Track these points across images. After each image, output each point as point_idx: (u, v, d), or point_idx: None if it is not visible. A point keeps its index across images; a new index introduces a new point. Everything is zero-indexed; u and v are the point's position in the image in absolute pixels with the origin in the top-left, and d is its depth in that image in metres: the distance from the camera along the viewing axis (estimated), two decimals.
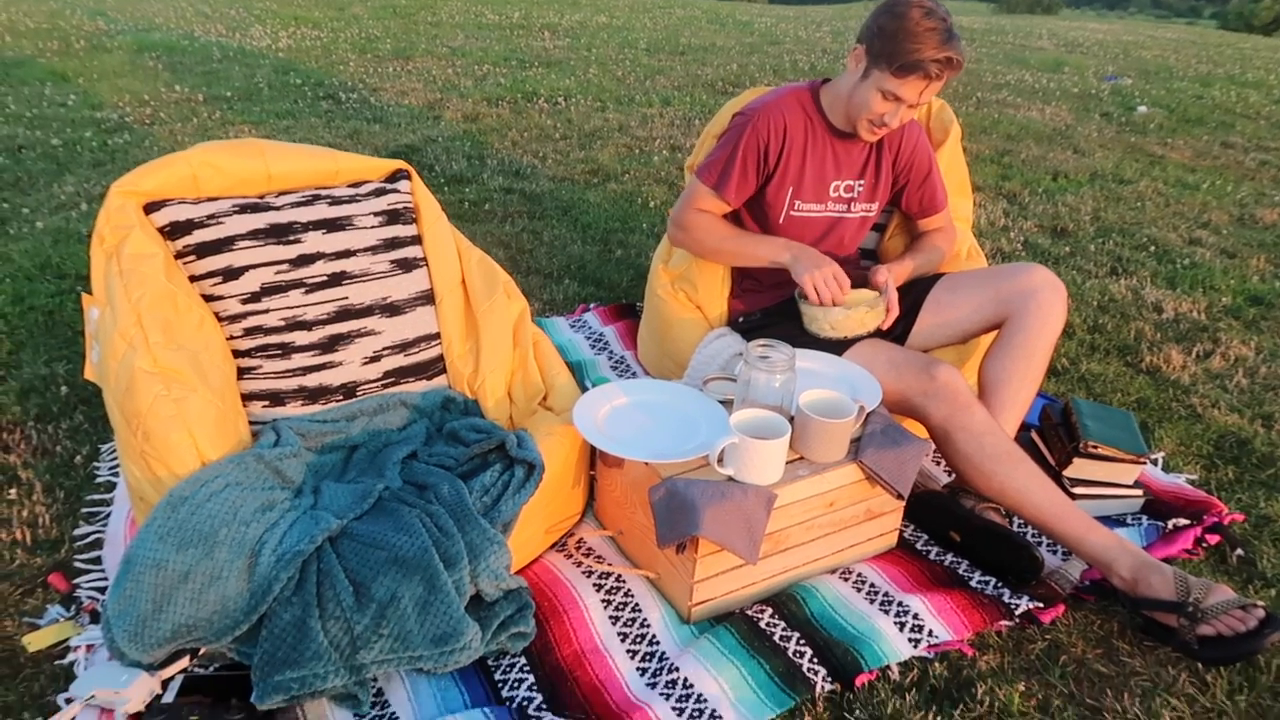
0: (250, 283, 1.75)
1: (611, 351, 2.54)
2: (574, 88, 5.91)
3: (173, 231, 1.73)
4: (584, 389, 2.31)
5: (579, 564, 1.77)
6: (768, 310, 2.18)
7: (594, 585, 1.71)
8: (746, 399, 1.72)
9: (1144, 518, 2.00)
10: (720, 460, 1.62)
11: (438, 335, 1.94)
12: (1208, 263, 3.48)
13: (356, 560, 1.46)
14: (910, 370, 1.90)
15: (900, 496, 1.76)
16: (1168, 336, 2.86)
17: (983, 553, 1.84)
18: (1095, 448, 1.99)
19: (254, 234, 1.77)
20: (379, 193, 1.94)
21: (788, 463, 1.69)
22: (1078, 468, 2.01)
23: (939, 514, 1.92)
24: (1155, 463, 2.20)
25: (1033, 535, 1.94)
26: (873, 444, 1.75)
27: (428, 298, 1.94)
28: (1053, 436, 2.11)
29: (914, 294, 2.14)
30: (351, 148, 4.38)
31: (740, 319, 2.21)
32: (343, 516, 1.53)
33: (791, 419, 1.72)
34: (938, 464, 2.18)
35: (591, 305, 2.79)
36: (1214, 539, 1.92)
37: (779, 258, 2.02)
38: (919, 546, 1.90)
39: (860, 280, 2.09)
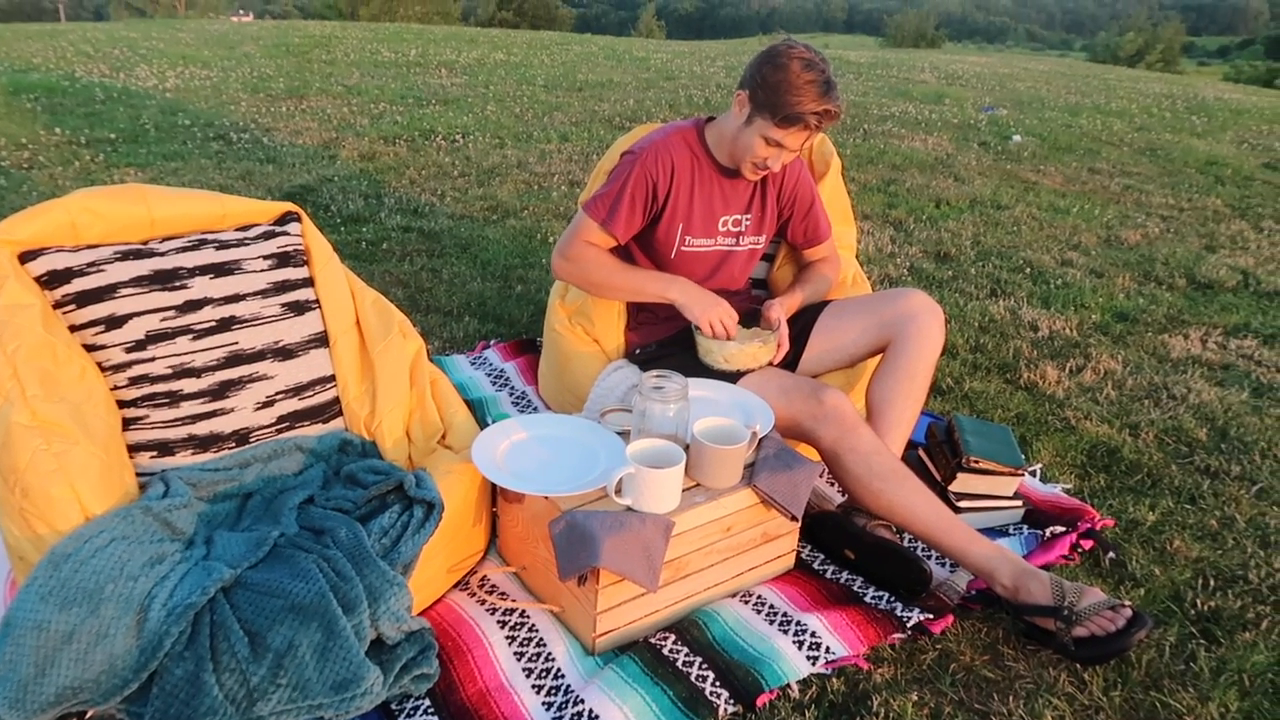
0: (134, 331, 1.72)
1: (513, 387, 2.55)
2: (472, 125, 5.93)
3: (50, 280, 1.69)
4: (485, 426, 2.32)
5: (482, 602, 1.77)
6: (663, 342, 2.23)
7: (498, 622, 1.72)
8: (642, 429, 1.76)
9: (1024, 527, 2.11)
10: (618, 491, 1.65)
11: (333, 378, 1.92)
12: (1078, 282, 3.69)
13: (251, 610, 1.44)
14: (800, 396, 1.97)
15: (795, 518, 1.82)
16: (1043, 354, 3.02)
17: (875, 568, 1.91)
18: (977, 462, 2.09)
19: (137, 281, 1.74)
20: (268, 236, 1.92)
21: (684, 490, 1.73)
22: (962, 482, 2.11)
23: (833, 533, 1.99)
24: (1034, 474, 2.32)
25: (922, 549, 2.02)
26: (766, 468, 1.80)
27: (321, 340, 1.93)
28: (938, 453, 2.21)
29: (802, 321, 2.22)
30: (244, 189, 4.30)
31: (637, 351, 2.25)
32: (236, 566, 1.51)
33: (687, 447, 1.77)
34: (831, 485, 2.25)
35: (492, 342, 2.81)
36: (1088, 544, 2.04)
37: (666, 294, 2.07)
38: (816, 566, 1.96)
39: (753, 315, 2.16)
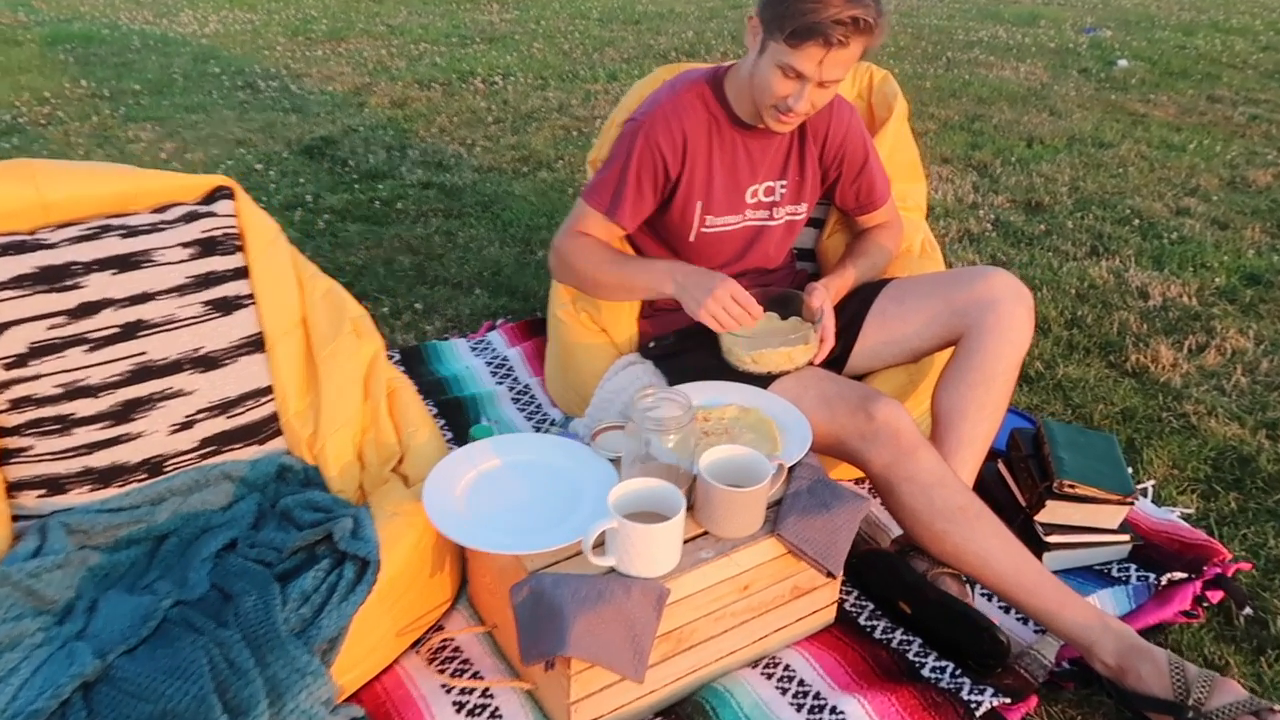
0: (14, 343, 1.40)
1: (515, 379, 2.19)
2: (514, 64, 5.51)
3: None
4: (475, 426, 1.97)
5: (438, 674, 1.44)
6: (684, 333, 1.84)
7: (454, 704, 1.38)
8: (635, 461, 1.39)
9: (1132, 568, 1.68)
10: (597, 547, 1.29)
11: (269, 390, 1.59)
12: (1198, 236, 3.14)
13: (113, 717, 1.13)
14: (845, 407, 1.56)
15: (831, 575, 1.43)
16: (1155, 328, 2.53)
17: (938, 629, 1.51)
18: (1072, 487, 1.66)
19: (18, 281, 1.42)
20: (190, 218, 1.58)
21: (688, 540, 1.36)
22: (1052, 511, 1.68)
23: (886, 578, 1.60)
24: (1144, 494, 1.87)
25: (998, 602, 1.61)
26: (795, 509, 1.41)
27: (255, 344, 1.59)
28: (1022, 470, 1.78)
29: (855, 304, 1.81)
30: (262, 142, 4.00)
31: (651, 344, 1.87)
32: (108, 652, 1.20)
33: (695, 481, 1.39)
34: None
35: (499, 322, 2.44)
36: (1216, 595, 1.60)
37: (663, 288, 1.64)
38: (863, 621, 1.58)
39: (792, 301, 1.75)
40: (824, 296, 1.68)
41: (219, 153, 3.87)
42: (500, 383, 2.18)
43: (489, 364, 2.24)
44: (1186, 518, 1.81)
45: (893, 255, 1.93)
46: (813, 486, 1.47)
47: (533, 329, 2.39)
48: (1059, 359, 2.37)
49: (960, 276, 1.72)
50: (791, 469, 1.49)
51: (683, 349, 1.82)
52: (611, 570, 1.30)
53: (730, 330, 1.60)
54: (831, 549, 1.41)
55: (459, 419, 2.02)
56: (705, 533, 1.38)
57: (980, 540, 1.48)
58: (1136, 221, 3.27)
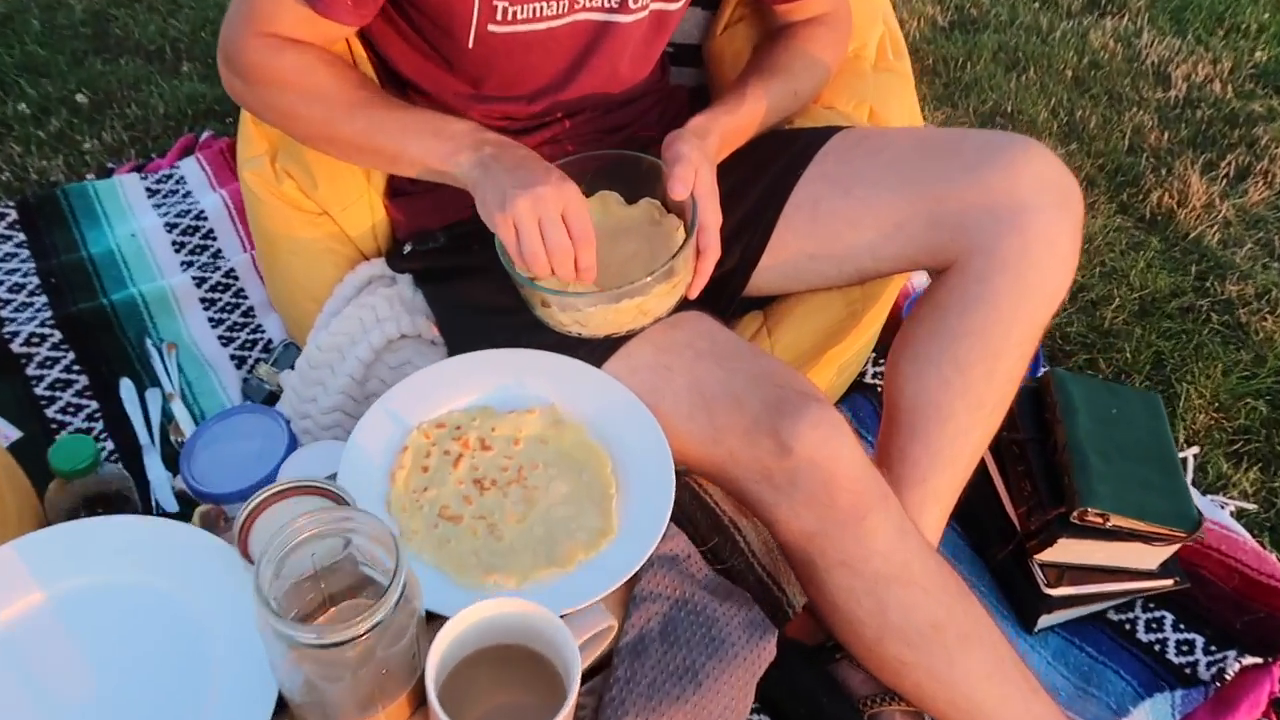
0: None
1: (217, 256, 1.33)
2: None
3: None
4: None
5: None
6: (459, 230, 1.02)
7: None
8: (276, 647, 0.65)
9: (1167, 620, 1.08)
10: None
11: None
12: None
13: None
14: (738, 419, 0.85)
15: None
16: (1180, 139, 1.79)
17: None
18: (1103, 518, 1.01)
19: None
20: None
21: None
22: (1063, 549, 1.04)
23: (794, 700, 0.96)
24: (1183, 465, 1.24)
25: None
26: (633, 696, 0.73)
27: None
28: (1016, 464, 1.11)
29: (765, 185, 1.02)
30: None
31: (406, 248, 1.05)
32: None
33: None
34: None
35: (204, 134, 1.53)
36: None
37: (450, 164, 0.86)
38: None
39: (641, 170, 0.94)
40: (695, 165, 0.88)
41: None
42: (187, 265, 1.32)
43: (174, 225, 1.37)
44: (1241, 515, 1.19)
45: (831, 72, 1.11)
46: (670, 620, 0.78)
47: None
48: None
49: (960, 146, 0.96)
50: (635, 578, 0.78)
51: (463, 262, 1.02)
52: None
53: (538, 276, 0.83)
54: None
55: (105, 353, 1.20)
56: None
57: (963, 684, 0.84)
58: None
